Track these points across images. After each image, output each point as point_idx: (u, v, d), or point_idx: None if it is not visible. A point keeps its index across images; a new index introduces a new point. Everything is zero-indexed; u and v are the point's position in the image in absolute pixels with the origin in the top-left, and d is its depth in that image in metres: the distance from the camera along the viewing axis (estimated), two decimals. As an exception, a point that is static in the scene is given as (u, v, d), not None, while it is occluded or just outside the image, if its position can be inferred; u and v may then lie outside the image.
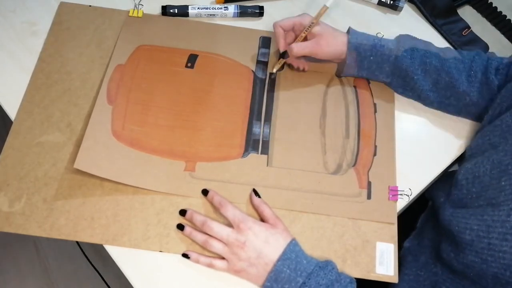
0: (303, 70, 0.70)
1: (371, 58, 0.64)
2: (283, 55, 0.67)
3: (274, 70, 0.69)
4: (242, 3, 0.75)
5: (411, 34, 0.76)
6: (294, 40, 0.67)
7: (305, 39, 0.65)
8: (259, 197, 0.59)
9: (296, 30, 0.66)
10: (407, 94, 0.68)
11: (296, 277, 0.52)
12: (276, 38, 0.67)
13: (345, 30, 0.67)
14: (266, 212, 0.58)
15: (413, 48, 0.64)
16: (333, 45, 0.64)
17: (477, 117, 0.67)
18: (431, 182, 0.65)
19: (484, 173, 0.54)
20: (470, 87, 0.63)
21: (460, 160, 0.68)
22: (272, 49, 0.72)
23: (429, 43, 0.67)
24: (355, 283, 0.54)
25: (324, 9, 0.63)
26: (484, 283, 0.50)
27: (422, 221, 0.68)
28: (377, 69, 0.65)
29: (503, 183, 0.51)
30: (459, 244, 0.53)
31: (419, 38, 0.67)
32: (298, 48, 0.64)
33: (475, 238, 0.51)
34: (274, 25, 0.66)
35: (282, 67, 0.70)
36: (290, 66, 0.70)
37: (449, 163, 0.67)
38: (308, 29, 0.64)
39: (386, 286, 0.61)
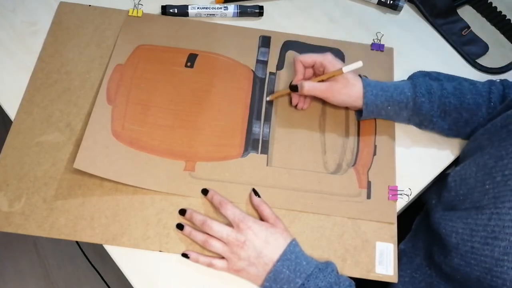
0: (301, 109, 0.67)
1: (389, 108, 0.62)
2: (293, 88, 0.64)
3: (268, 99, 0.67)
4: (242, 3, 0.75)
5: (411, 35, 0.77)
6: (311, 77, 0.66)
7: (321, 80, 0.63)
8: (259, 196, 0.59)
9: (316, 69, 0.65)
10: (424, 129, 0.67)
11: (295, 278, 0.52)
12: (294, 71, 0.65)
13: (344, 30, 0.66)
14: (266, 211, 0.57)
15: (429, 91, 0.62)
16: (345, 94, 0.62)
17: None
18: (431, 182, 0.65)
19: (470, 176, 0.55)
20: (490, 116, 0.61)
21: (456, 163, 0.68)
22: (274, 46, 0.72)
23: (443, 77, 0.66)
24: (354, 286, 0.54)
25: (339, 72, 0.61)
26: (469, 285, 0.51)
27: (417, 223, 0.68)
28: (394, 115, 0.64)
29: (487, 186, 0.51)
30: (447, 247, 0.53)
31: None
32: (310, 87, 0.62)
33: (460, 242, 0.51)
34: (295, 59, 0.64)
35: (273, 99, 0.68)
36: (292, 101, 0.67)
37: (449, 164, 0.67)
38: (325, 75, 0.62)
39: (384, 286, 0.61)
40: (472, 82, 0.65)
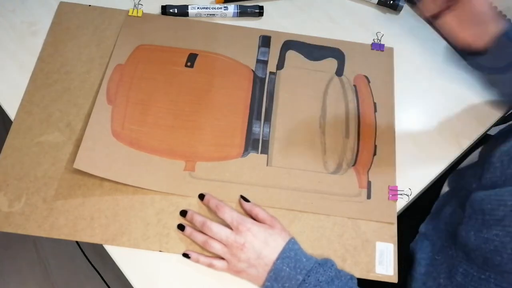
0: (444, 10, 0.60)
1: None
2: None
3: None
4: (242, 3, 0.75)
5: (411, 35, 0.76)
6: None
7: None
8: (248, 201, 0.59)
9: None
10: None
11: (296, 275, 0.52)
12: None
13: (345, 30, 0.66)
14: (261, 214, 0.57)
15: None
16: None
17: None
18: (431, 182, 0.65)
19: None
20: None
21: (475, 148, 0.66)
22: (274, 46, 0.72)
23: None
24: (356, 279, 0.54)
25: None
26: (497, 259, 0.50)
27: (437, 207, 0.67)
28: None
29: None
30: (487, 222, 0.53)
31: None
32: None
33: (508, 213, 0.50)
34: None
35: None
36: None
37: (449, 163, 0.67)
38: None
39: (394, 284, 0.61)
40: None
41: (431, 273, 0.59)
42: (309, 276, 0.51)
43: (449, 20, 0.60)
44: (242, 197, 0.60)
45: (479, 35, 0.61)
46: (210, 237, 0.55)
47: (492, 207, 0.53)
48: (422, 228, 0.65)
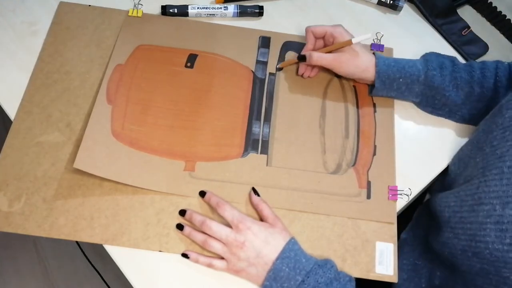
0: (308, 77, 0.69)
1: (400, 80, 0.63)
2: (301, 58, 0.66)
3: (278, 66, 0.70)
4: (242, 3, 0.75)
5: (411, 35, 0.77)
6: (321, 47, 0.67)
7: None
8: (258, 195, 0.59)
9: (326, 40, 0.66)
10: (437, 112, 0.67)
11: (295, 275, 0.52)
12: (306, 41, 0.67)
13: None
14: (265, 211, 0.58)
15: (441, 66, 0.63)
16: (353, 65, 0.63)
17: None
18: (430, 182, 0.65)
19: (465, 155, 0.57)
20: (497, 92, 0.63)
21: None
22: (273, 46, 0.72)
23: (454, 58, 0.66)
24: (354, 281, 0.54)
25: (348, 43, 0.62)
26: (455, 261, 0.52)
27: (417, 214, 0.69)
28: (406, 90, 0.64)
29: (477, 159, 0.53)
30: (440, 223, 0.55)
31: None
32: (318, 57, 0.64)
33: (451, 214, 0.53)
34: (307, 29, 0.66)
35: (283, 67, 0.70)
36: (298, 70, 0.69)
37: (449, 164, 0.67)
38: (334, 45, 0.64)
39: (387, 283, 0.61)
40: (482, 62, 0.66)
41: (413, 278, 0.60)
42: (308, 277, 0.51)
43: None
44: (253, 189, 0.60)
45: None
46: (210, 236, 0.55)
47: (440, 209, 0.56)
48: (403, 234, 0.66)
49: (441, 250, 0.54)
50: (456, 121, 0.68)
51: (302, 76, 0.69)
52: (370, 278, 0.57)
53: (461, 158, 0.58)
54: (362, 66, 0.63)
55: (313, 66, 0.68)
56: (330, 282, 0.52)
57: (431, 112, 0.68)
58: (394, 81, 0.63)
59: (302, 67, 0.68)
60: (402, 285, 0.61)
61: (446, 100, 0.64)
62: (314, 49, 0.67)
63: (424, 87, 0.64)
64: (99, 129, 0.62)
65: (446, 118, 0.68)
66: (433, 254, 0.59)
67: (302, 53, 0.66)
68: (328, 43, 0.66)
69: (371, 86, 0.67)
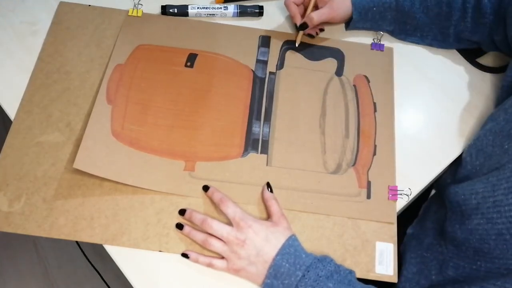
0: (321, 30, 0.72)
1: (374, 9, 0.69)
2: (302, 27, 0.69)
3: (298, 44, 0.72)
4: (242, 2, 0.75)
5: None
6: (305, 11, 0.71)
7: (316, 8, 0.70)
8: (272, 191, 0.60)
9: (306, 3, 0.71)
10: (410, 38, 0.73)
11: (296, 271, 0.52)
12: (291, 13, 0.70)
13: (344, 30, 0.69)
14: (274, 208, 0.58)
15: None
16: (342, 7, 0.69)
17: (473, 43, 0.71)
18: (431, 182, 0.65)
19: (487, 145, 0.57)
20: (465, 12, 0.66)
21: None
22: (273, 46, 0.72)
23: None
24: (355, 273, 0.54)
25: None
26: (486, 246, 0.51)
27: (424, 208, 0.68)
28: (380, 19, 0.70)
29: (506, 146, 0.53)
30: (465, 212, 0.54)
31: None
32: (317, 16, 0.68)
33: (481, 201, 0.52)
34: (287, 3, 0.70)
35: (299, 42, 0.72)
36: (310, 35, 0.72)
37: (449, 163, 0.67)
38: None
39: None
40: None
41: (422, 271, 0.60)
42: (308, 271, 0.51)
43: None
44: (268, 184, 0.61)
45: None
46: (210, 235, 0.55)
47: (465, 197, 0.55)
48: (410, 229, 0.66)
49: (467, 238, 0.53)
50: (428, 44, 0.73)
51: (309, 35, 0.72)
52: (370, 278, 0.57)
53: (481, 149, 0.58)
54: (347, 4, 0.69)
55: (315, 26, 0.71)
56: (331, 275, 0.52)
57: (404, 39, 0.73)
58: (368, 11, 0.69)
59: (312, 31, 0.72)
60: (412, 278, 0.60)
61: (417, 23, 0.70)
62: (302, 15, 0.71)
63: (396, 13, 0.69)
64: (99, 129, 0.62)
65: (419, 44, 0.73)
66: (446, 244, 0.58)
67: (299, 23, 0.70)
68: (307, 5, 0.71)
69: (347, 23, 0.73)
